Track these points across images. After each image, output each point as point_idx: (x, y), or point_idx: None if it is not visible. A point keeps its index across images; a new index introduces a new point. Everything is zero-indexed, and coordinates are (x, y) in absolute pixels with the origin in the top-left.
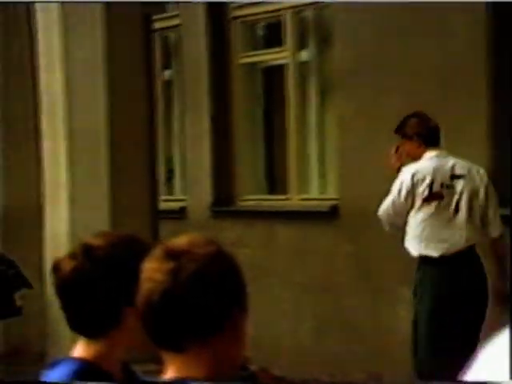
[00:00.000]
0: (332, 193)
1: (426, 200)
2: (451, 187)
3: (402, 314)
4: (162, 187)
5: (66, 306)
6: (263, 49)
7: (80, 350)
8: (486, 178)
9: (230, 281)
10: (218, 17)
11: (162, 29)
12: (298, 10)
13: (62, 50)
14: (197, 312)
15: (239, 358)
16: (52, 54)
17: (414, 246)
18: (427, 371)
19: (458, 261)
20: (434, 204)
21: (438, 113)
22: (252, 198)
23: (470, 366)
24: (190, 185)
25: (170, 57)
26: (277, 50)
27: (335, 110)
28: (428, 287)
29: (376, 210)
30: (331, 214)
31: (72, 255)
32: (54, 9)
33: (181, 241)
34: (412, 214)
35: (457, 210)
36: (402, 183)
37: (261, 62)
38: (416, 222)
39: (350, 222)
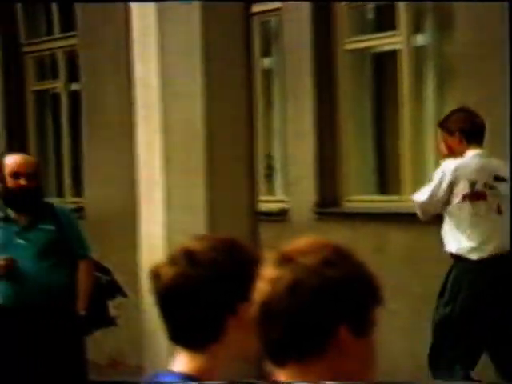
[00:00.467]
0: None
1: (468, 198)
2: (494, 188)
3: None
4: (261, 187)
5: (166, 316)
6: (373, 33)
7: (181, 362)
8: None
9: (349, 293)
10: None
11: (262, 12)
12: None
13: (158, 37)
14: (308, 325)
15: (357, 376)
16: (147, 42)
17: (452, 243)
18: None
19: (499, 264)
20: (476, 203)
21: None
22: (360, 199)
23: None
24: (291, 185)
25: (269, 43)
26: (388, 34)
27: (455, 101)
28: (465, 286)
29: None
30: None
31: (172, 260)
32: None
33: (299, 245)
34: (451, 209)
35: (499, 211)
36: (443, 175)
37: (370, 47)
38: (456, 219)
39: None
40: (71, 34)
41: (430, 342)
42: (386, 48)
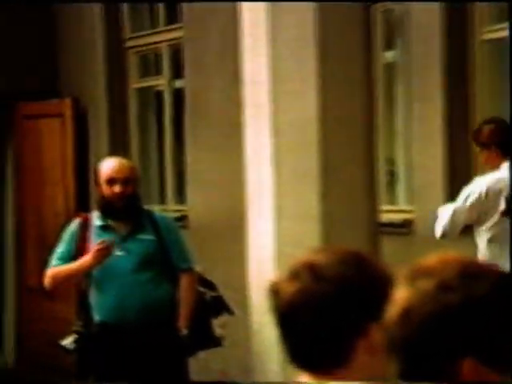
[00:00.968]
0: None
1: (506, 214)
2: None
3: None
4: (382, 195)
5: (286, 336)
6: None
7: None
8: None
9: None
10: None
11: None
12: None
13: (269, 29)
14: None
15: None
16: (257, 35)
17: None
18: None
19: None
20: None
21: None
22: None
23: None
24: (417, 193)
25: (393, 34)
26: None
27: None
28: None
29: None
30: None
31: (294, 275)
32: None
33: (433, 261)
34: (488, 226)
35: None
36: (470, 193)
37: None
38: (493, 237)
39: None
40: (176, 26)
41: None
42: None
